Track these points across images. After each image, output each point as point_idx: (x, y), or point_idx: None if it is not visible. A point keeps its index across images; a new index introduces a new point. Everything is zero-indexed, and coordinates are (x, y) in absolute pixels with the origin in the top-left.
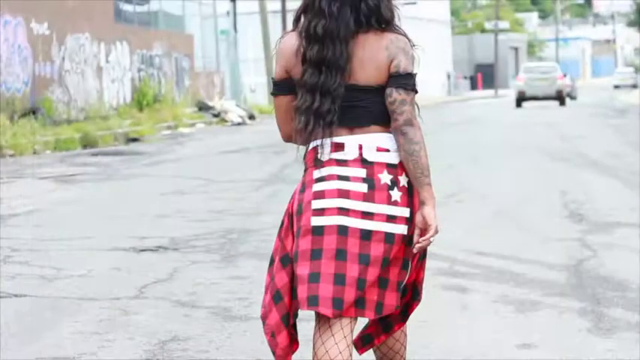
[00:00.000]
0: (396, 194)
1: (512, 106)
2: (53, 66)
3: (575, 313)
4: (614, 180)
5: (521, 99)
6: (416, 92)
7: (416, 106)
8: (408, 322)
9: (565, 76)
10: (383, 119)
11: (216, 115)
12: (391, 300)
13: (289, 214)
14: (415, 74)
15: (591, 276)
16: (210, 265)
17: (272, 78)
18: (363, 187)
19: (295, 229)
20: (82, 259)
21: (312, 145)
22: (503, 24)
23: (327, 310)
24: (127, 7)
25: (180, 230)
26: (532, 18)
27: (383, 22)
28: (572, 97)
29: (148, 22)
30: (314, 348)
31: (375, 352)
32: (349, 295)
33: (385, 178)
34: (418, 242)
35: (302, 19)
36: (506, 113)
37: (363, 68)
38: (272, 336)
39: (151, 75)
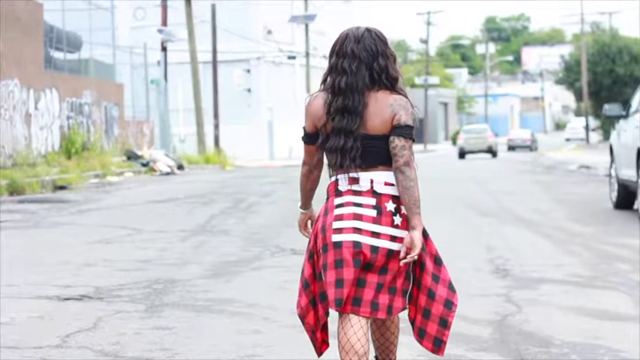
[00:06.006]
0: (398, 219)
1: (441, 161)
2: None
3: None
4: (539, 236)
5: (462, 153)
6: (413, 141)
7: (412, 152)
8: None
9: (496, 135)
10: (387, 161)
11: (144, 165)
12: (398, 303)
13: (315, 234)
14: (413, 127)
15: (515, 331)
16: (134, 314)
17: (303, 127)
18: (373, 213)
19: (321, 245)
20: (5, 306)
21: (333, 178)
22: (433, 79)
23: (333, 306)
24: (58, 55)
25: (105, 279)
26: (462, 74)
27: (391, 79)
28: (534, 149)
29: (78, 69)
30: (338, 338)
31: (373, 341)
32: (352, 293)
33: (390, 206)
34: (404, 258)
35: (328, 79)
36: (435, 169)
37: (373, 120)
38: (312, 332)
39: (80, 123)
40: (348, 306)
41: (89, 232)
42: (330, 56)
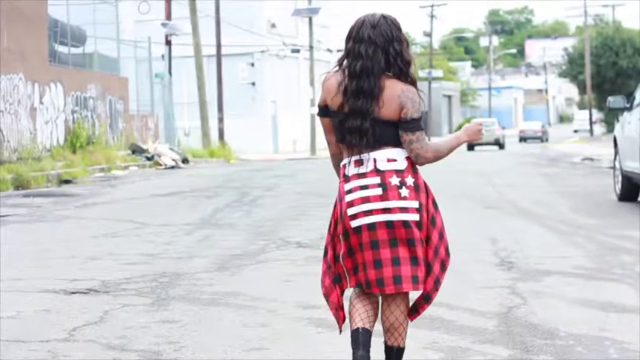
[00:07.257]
0: (404, 191)
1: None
2: None
3: None
4: (544, 228)
5: (471, 145)
6: (422, 129)
7: (423, 139)
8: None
9: (503, 128)
10: (393, 141)
11: (149, 158)
12: (422, 273)
13: (335, 218)
14: (420, 117)
15: (521, 323)
16: (140, 308)
17: (318, 104)
18: (379, 191)
19: (341, 231)
20: (11, 300)
21: (343, 162)
22: (437, 72)
23: (376, 289)
24: (62, 49)
25: (111, 273)
26: (465, 67)
27: (405, 63)
28: (544, 140)
29: (82, 63)
30: (350, 306)
31: (383, 323)
32: (387, 273)
33: (395, 180)
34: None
35: (345, 62)
36: (440, 161)
37: (384, 106)
38: (336, 310)
39: (85, 117)
40: (391, 286)
41: (95, 226)
42: (347, 41)
